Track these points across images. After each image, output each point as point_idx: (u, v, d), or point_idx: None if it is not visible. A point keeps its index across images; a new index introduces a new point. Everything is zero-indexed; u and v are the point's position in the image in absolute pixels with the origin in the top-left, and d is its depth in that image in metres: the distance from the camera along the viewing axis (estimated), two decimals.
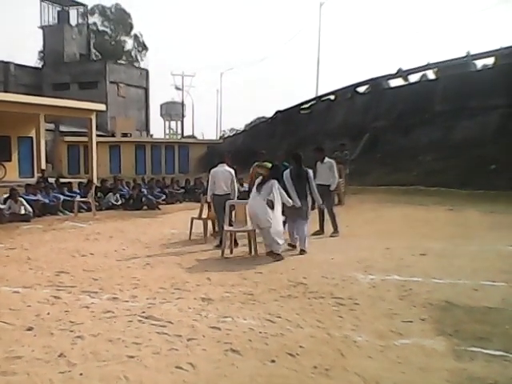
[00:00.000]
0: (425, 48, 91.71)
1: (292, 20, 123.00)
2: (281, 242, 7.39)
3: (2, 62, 40.88)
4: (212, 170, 8.53)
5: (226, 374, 3.47)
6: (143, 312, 4.78)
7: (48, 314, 4.78)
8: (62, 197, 13.73)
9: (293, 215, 7.94)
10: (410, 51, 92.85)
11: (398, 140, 20.83)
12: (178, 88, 51.96)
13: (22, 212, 11.92)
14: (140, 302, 5.13)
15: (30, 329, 4.36)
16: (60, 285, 5.87)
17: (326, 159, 9.53)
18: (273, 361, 3.68)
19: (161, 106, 52.39)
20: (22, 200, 12.13)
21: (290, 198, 7.67)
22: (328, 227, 9.37)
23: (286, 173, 8.02)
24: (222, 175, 8.39)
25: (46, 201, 13.20)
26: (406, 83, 24.17)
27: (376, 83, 25.49)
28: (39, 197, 13.14)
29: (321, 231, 9.37)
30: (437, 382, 3.32)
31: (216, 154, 8.40)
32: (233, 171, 8.46)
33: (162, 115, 52.74)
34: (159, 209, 14.63)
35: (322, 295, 5.34)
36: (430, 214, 11.92)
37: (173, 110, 51.37)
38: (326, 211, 9.34)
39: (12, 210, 11.83)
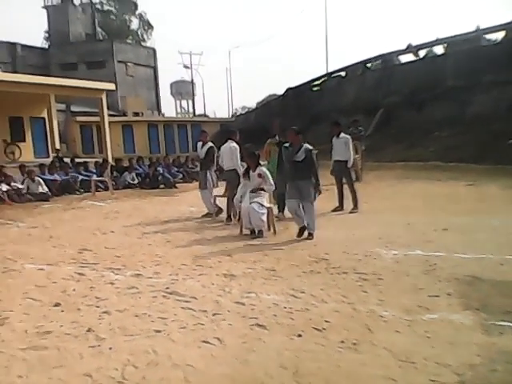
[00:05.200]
0: (434, 23, 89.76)
1: None
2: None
3: (9, 42, 40.45)
4: (221, 147, 8.87)
5: (254, 348, 3.46)
6: (167, 288, 4.80)
7: (74, 290, 4.83)
8: (79, 176, 13.82)
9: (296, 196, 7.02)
10: (420, 26, 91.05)
11: (411, 116, 20.55)
12: (186, 66, 51.38)
13: (40, 191, 12.04)
14: (163, 278, 5.15)
15: (57, 305, 4.40)
16: (83, 262, 5.93)
17: (342, 134, 9.34)
18: (299, 335, 3.66)
19: (171, 84, 52.10)
20: (40, 179, 12.24)
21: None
22: (347, 203, 9.30)
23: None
24: (227, 151, 8.68)
25: (63, 180, 13.29)
26: (417, 59, 23.78)
27: (386, 59, 25.10)
28: (56, 176, 13.24)
29: (340, 207, 9.31)
30: (467, 355, 3.28)
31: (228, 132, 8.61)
32: (237, 146, 8.68)
33: (172, 94, 52.44)
34: (176, 187, 14.65)
35: (345, 270, 5.30)
36: (449, 189, 11.75)
37: (183, 89, 50.94)
38: (344, 187, 9.29)
39: (30, 189, 11.94)
